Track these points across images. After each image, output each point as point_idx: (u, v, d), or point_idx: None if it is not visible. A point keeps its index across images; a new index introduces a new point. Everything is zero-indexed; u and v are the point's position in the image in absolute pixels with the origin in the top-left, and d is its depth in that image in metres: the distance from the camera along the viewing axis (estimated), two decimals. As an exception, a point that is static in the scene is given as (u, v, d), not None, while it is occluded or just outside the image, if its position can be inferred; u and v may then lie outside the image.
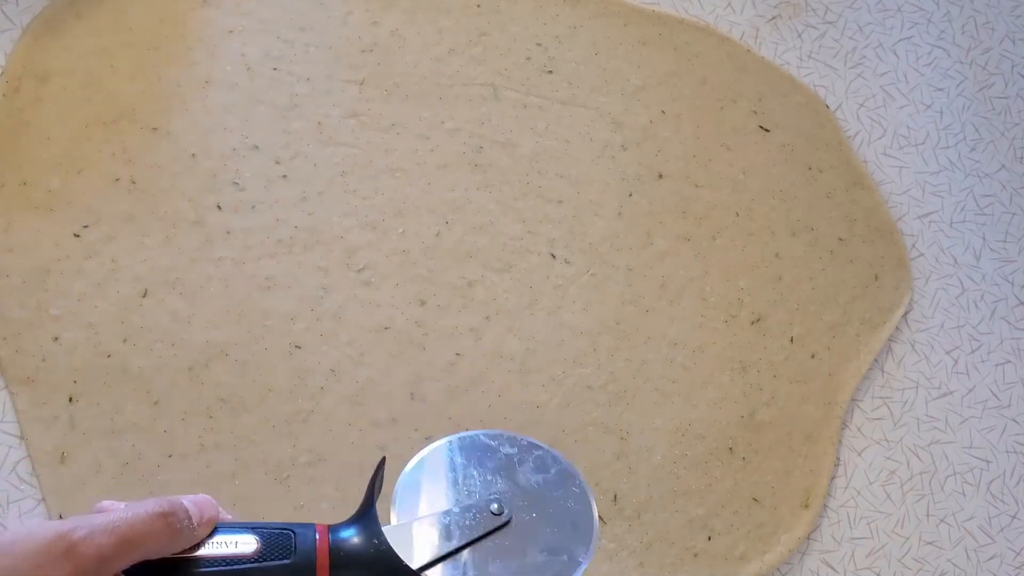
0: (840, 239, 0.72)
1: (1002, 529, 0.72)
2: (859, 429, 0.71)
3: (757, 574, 0.65)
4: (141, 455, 0.59)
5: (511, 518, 0.41)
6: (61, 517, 0.58)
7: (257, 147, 0.64)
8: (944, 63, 0.78)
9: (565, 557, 0.41)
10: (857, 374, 0.70)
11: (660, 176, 0.70)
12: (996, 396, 0.74)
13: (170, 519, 0.35)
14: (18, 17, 0.63)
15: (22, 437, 0.59)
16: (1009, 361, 0.75)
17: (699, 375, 0.68)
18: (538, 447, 0.45)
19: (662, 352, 0.67)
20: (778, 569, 0.67)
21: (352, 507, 0.42)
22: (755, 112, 0.73)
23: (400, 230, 0.65)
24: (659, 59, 0.72)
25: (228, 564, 0.36)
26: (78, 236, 0.61)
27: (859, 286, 0.72)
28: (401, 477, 0.43)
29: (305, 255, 0.63)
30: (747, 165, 0.72)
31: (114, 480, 0.59)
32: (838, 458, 0.70)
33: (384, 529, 0.40)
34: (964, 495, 0.72)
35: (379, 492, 0.43)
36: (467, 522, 0.41)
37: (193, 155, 0.63)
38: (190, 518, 0.36)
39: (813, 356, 0.70)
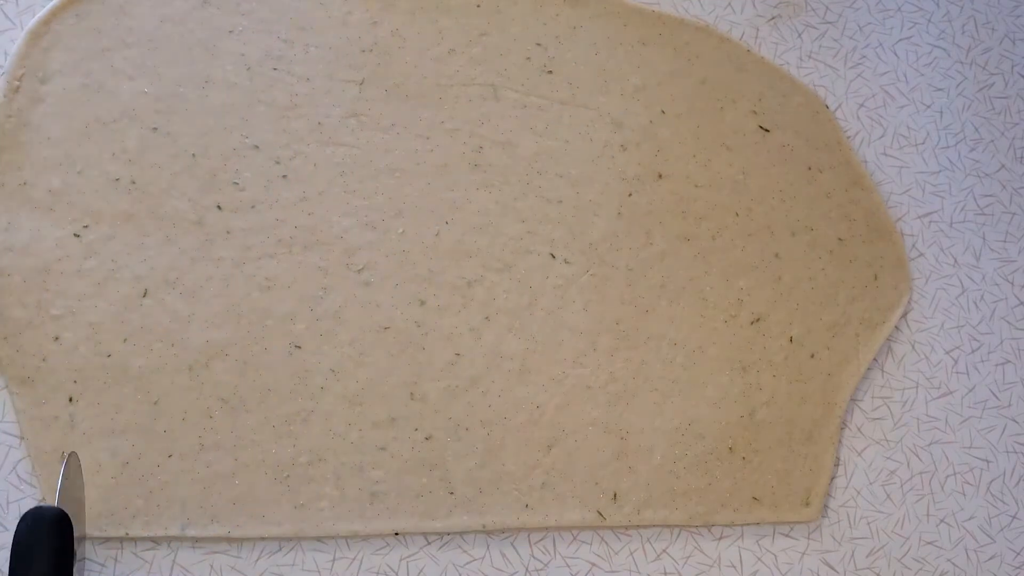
0: (840, 239, 0.72)
1: (1002, 529, 0.72)
2: (859, 429, 0.71)
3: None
4: (141, 455, 0.59)
5: None
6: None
7: (257, 147, 0.64)
8: (944, 63, 0.78)
9: None
10: (856, 374, 0.70)
11: (660, 176, 0.70)
12: (996, 396, 0.74)
13: None
14: (18, 17, 0.63)
15: (22, 437, 0.59)
16: (1009, 361, 0.75)
17: (699, 375, 0.68)
18: None
19: (662, 352, 0.67)
20: (778, 569, 0.67)
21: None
22: (755, 112, 0.73)
23: (400, 230, 0.65)
24: (659, 59, 0.72)
25: None
26: (78, 236, 0.61)
27: (858, 286, 0.72)
28: None
29: (305, 255, 0.63)
30: (747, 165, 0.72)
31: (114, 480, 0.59)
32: (838, 458, 0.70)
33: None
34: (964, 495, 0.72)
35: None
36: None
37: (193, 155, 0.63)
38: None
39: (812, 356, 0.70)
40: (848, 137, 0.75)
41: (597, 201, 0.69)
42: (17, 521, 0.51)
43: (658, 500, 0.65)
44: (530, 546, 0.65)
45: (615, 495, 0.65)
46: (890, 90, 0.77)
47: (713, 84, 0.72)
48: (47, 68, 0.62)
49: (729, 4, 0.75)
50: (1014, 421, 0.74)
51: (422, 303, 0.65)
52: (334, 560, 0.62)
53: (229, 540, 0.60)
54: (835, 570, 0.68)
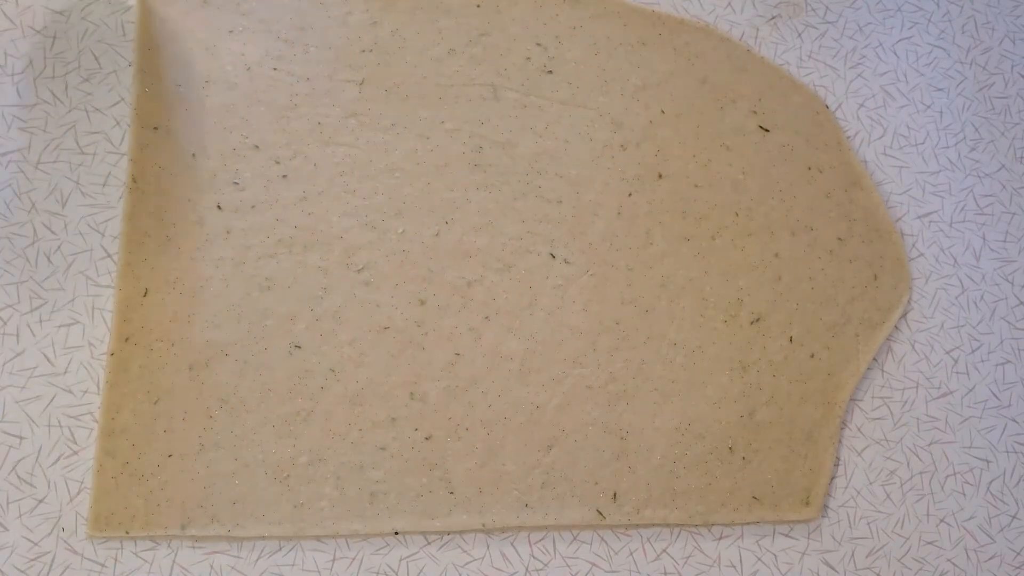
0: (839, 239, 0.72)
1: (1002, 529, 0.72)
2: (859, 429, 0.71)
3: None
4: (141, 455, 0.59)
5: None
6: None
7: (257, 147, 0.64)
8: (944, 63, 0.78)
9: None
10: (856, 374, 0.70)
11: (660, 176, 0.70)
12: (996, 396, 0.74)
13: None
14: (18, 17, 0.63)
15: (22, 437, 0.59)
16: (1009, 361, 0.75)
17: (699, 375, 0.68)
18: None
19: (662, 352, 0.67)
20: (778, 569, 0.67)
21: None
22: (755, 112, 0.73)
23: (400, 230, 0.65)
24: (659, 59, 0.72)
25: None
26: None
27: (858, 286, 0.72)
28: None
29: (305, 255, 0.63)
30: (747, 165, 0.72)
31: (114, 480, 0.59)
32: (838, 458, 0.70)
33: None
34: (964, 495, 0.72)
35: None
36: None
37: (193, 155, 0.63)
38: None
39: (812, 356, 0.70)
40: (848, 137, 0.75)
41: (597, 201, 0.69)
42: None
43: (658, 500, 0.65)
44: (530, 546, 0.65)
45: (615, 495, 0.65)
46: (890, 90, 0.77)
47: (713, 84, 0.72)
48: (47, 68, 0.62)
49: (729, 4, 0.75)
50: (1014, 421, 0.74)
51: (422, 303, 0.65)
52: (334, 560, 0.62)
53: (229, 540, 0.60)
54: (835, 570, 0.68)
